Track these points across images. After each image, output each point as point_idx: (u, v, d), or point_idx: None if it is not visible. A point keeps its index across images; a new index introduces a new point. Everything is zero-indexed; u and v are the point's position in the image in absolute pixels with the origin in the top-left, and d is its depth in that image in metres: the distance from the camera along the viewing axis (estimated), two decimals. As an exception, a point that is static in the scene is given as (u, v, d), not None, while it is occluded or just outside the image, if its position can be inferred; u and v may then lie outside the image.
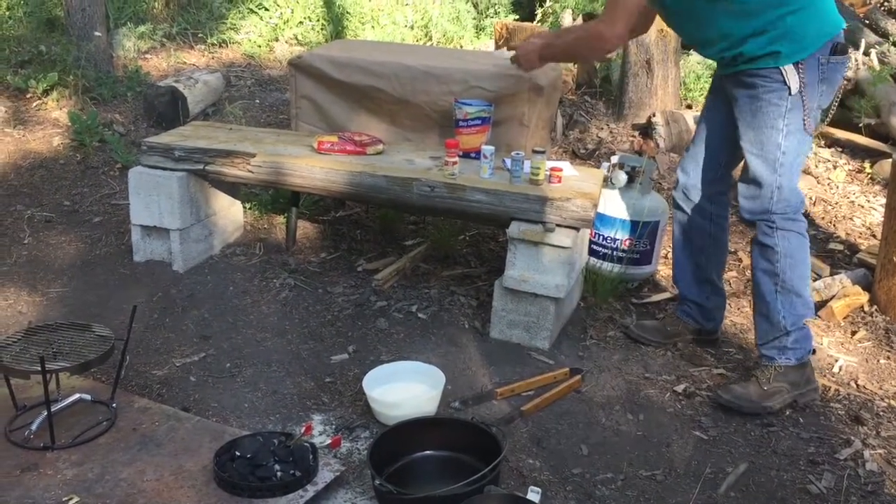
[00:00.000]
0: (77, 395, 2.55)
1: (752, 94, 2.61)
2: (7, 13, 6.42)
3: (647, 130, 5.11)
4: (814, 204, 4.46)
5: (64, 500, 2.16)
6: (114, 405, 2.56)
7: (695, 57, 6.13)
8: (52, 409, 2.39)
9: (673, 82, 5.35)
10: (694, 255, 3.06)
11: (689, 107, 5.61)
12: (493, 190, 3.10)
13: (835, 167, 4.94)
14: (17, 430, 2.43)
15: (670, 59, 5.27)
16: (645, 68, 5.24)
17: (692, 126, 4.95)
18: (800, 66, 2.51)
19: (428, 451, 2.40)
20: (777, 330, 2.71)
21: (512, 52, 3.27)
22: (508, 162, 3.22)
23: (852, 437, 2.64)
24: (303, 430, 2.53)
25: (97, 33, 5.67)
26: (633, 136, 5.17)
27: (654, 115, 5.06)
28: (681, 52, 5.63)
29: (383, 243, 3.96)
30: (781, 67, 2.52)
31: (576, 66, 6.26)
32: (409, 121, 3.79)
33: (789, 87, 2.53)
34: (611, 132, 5.23)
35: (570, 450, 2.53)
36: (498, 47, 6.19)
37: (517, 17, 7.72)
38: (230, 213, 3.91)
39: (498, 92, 3.53)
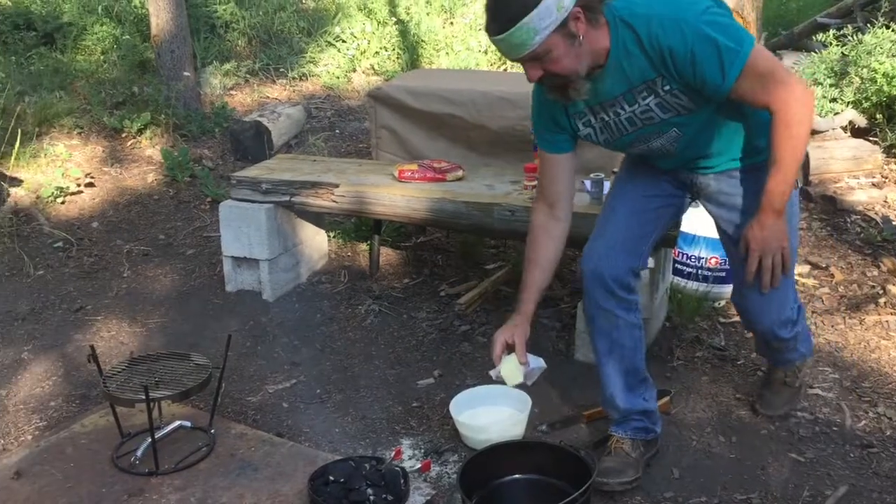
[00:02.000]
0: (178, 423, 2.66)
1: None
2: (102, 57, 6.76)
3: (728, 145, 5.02)
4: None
5: (169, 523, 2.25)
6: (212, 431, 2.66)
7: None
8: (156, 436, 2.50)
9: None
10: (626, 359, 2.47)
11: (772, 119, 5.49)
12: (574, 212, 3.10)
13: (929, 176, 4.76)
14: (123, 456, 2.55)
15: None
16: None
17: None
18: None
19: (517, 475, 2.40)
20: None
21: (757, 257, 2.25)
22: (588, 184, 3.22)
23: (959, 458, 2.53)
24: (393, 454, 2.57)
25: (186, 73, 5.93)
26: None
27: (735, 130, 4.96)
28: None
29: (465, 268, 4.00)
30: None
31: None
32: (487, 146, 3.83)
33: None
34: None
35: (661, 473, 2.50)
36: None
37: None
38: (315, 242, 4.01)
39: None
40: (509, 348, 2.31)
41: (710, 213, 2.49)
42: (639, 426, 2.49)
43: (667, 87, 2.12)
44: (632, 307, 2.42)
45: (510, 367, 2.30)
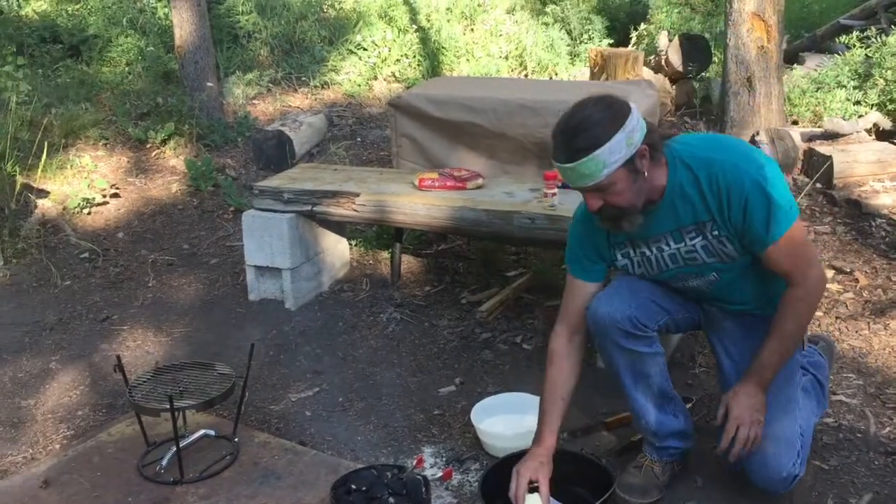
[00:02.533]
0: (202, 431, 2.69)
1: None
2: (127, 69, 6.86)
3: (750, 149, 4.99)
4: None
5: (194, 532, 2.28)
6: (236, 440, 2.69)
7: (798, 71, 5.97)
8: (181, 445, 2.53)
9: (777, 99, 5.22)
10: (653, 385, 2.42)
11: (795, 123, 5.46)
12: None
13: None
14: (148, 465, 2.59)
15: (772, 76, 5.15)
16: (746, 86, 5.14)
17: (798, 143, 4.81)
18: None
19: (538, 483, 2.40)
20: None
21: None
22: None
23: None
24: (414, 462, 2.59)
25: (209, 83, 6.00)
26: (736, 155, 5.06)
27: (757, 134, 4.94)
28: (783, 67, 5.50)
29: (486, 275, 4.01)
30: None
31: (674, 87, 6.19)
32: (507, 154, 3.84)
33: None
34: (713, 153, 5.13)
35: (684, 481, 2.49)
36: (593, 74, 6.19)
37: (611, 41, 7.70)
38: (337, 251, 4.04)
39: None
40: (532, 486, 2.22)
41: (711, 343, 2.50)
42: (673, 451, 2.48)
43: (715, 233, 2.18)
44: (653, 341, 2.37)
45: None
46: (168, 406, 2.45)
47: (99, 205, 4.94)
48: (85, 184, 4.99)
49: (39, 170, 4.99)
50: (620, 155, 2.01)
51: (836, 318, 3.42)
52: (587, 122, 2.02)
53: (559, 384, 2.36)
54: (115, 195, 5.07)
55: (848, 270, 3.78)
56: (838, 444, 2.64)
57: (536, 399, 2.78)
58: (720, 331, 2.43)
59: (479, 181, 3.60)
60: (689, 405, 2.81)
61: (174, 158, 5.56)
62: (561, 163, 2.06)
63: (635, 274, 2.36)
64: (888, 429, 2.71)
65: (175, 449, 2.52)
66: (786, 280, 2.18)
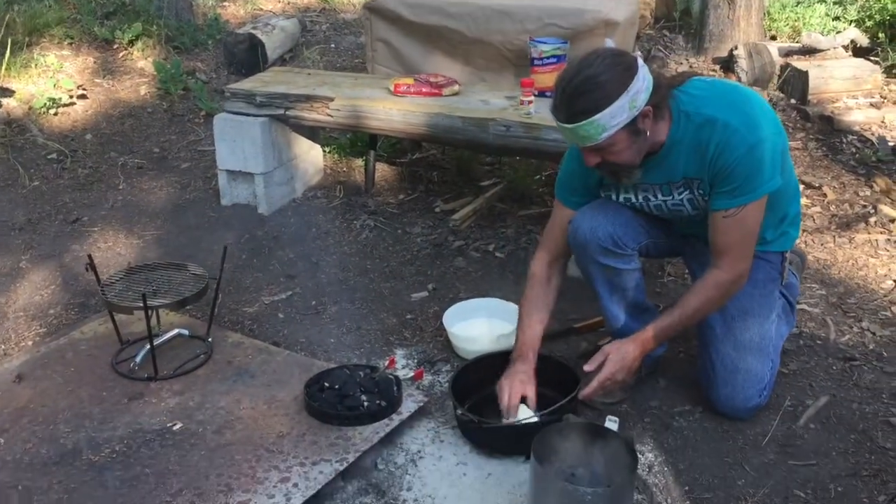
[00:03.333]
0: (176, 331, 2.70)
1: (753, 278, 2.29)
2: (90, -34, 6.59)
3: (728, 64, 4.97)
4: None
5: (168, 425, 2.32)
6: (209, 340, 2.71)
7: (780, -15, 5.89)
8: (154, 343, 2.55)
9: (756, 13, 5.16)
10: (628, 298, 2.46)
11: (774, 38, 5.42)
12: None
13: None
14: (122, 362, 2.61)
15: (753, -11, 5.09)
16: (726, -1, 5.08)
17: (776, 58, 4.79)
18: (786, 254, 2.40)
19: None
20: None
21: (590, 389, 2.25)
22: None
23: (939, 372, 2.60)
24: (387, 363, 2.63)
25: (176, -18, 5.79)
26: (713, 69, 5.04)
27: (735, 48, 4.91)
28: (765, -20, 5.42)
29: (460, 184, 4.01)
30: (784, 252, 2.40)
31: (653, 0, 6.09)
32: (483, 61, 3.79)
33: (782, 276, 2.40)
34: (691, 66, 5.11)
35: (648, 382, 2.56)
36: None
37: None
38: (311, 157, 4.01)
39: (573, 29, 3.49)
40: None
41: (692, 269, 2.53)
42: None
43: (700, 191, 2.18)
44: (631, 259, 2.38)
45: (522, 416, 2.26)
46: (141, 304, 2.45)
47: (66, 105, 4.83)
48: (51, 83, 4.86)
49: (3, 68, 4.85)
50: (622, 118, 1.96)
51: (804, 230, 3.48)
52: (590, 84, 1.94)
53: (539, 306, 2.38)
54: (83, 96, 4.95)
55: (817, 185, 3.83)
56: (798, 350, 2.72)
57: (507, 305, 2.85)
58: (702, 260, 2.42)
59: (455, 88, 3.56)
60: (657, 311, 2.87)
61: (142, 60, 5.41)
62: (560, 121, 2.02)
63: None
64: (847, 336, 2.79)
65: (149, 346, 2.54)
66: (715, 257, 2.19)
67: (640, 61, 2.01)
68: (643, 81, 1.99)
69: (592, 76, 1.95)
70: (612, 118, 1.95)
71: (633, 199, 2.30)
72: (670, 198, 2.24)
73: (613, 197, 2.34)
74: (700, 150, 2.11)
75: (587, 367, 2.23)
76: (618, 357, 2.22)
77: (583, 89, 1.95)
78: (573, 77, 1.97)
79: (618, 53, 2.01)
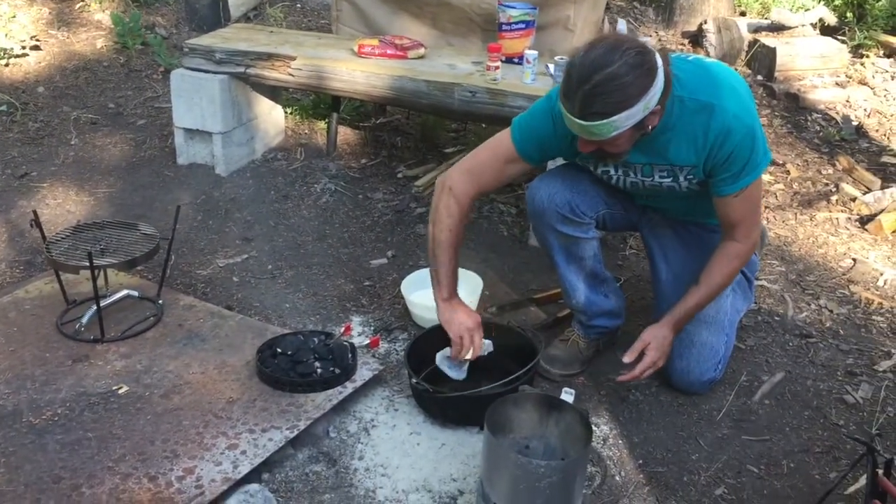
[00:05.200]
0: (125, 292, 2.62)
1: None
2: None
3: (697, 38, 4.94)
4: (868, 116, 4.31)
5: (114, 388, 2.25)
6: (160, 302, 2.63)
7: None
8: (101, 304, 2.46)
9: (727, -13, 5.14)
10: (586, 268, 2.45)
11: (743, 14, 5.40)
12: (536, 96, 3.03)
13: (892, 78, 4.75)
14: (68, 322, 2.52)
15: (725, -37, 5.05)
16: (698, -28, 5.03)
17: (745, 34, 4.77)
18: None
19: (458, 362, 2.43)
20: None
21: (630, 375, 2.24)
22: (552, 67, 3.15)
23: (893, 350, 2.61)
24: (342, 330, 2.58)
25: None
26: (682, 44, 5.01)
27: (705, 23, 4.88)
28: (737, -45, 5.39)
29: (423, 150, 3.94)
30: None
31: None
32: (451, 24, 3.71)
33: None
34: (659, 39, 5.07)
35: (606, 355, 2.55)
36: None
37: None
38: (271, 118, 3.90)
39: (543, -6, 3.43)
40: None
41: (648, 245, 2.49)
42: (601, 329, 2.52)
43: (690, 177, 2.13)
44: (589, 228, 2.36)
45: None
46: (87, 263, 2.36)
47: (18, 56, 4.64)
48: (2, 33, 4.67)
49: (-50, 15, 4.65)
50: (635, 119, 1.89)
51: (766, 207, 3.48)
52: (611, 85, 1.83)
53: (459, 241, 2.28)
54: (36, 48, 4.76)
55: (780, 163, 3.83)
56: (756, 326, 2.72)
57: (468, 273, 2.80)
58: (660, 237, 2.43)
59: (421, 51, 3.48)
60: (616, 284, 2.85)
61: (100, 13, 5.22)
62: (571, 113, 1.90)
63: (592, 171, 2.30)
64: (805, 314, 2.80)
65: (95, 307, 2.45)
66: (727, 230, 2.18)
67: (659, 59, 1.91)
68: (660, 83, 1.90)
69: (615, 76, 1.83)
70: (627, 120, 1.88)
71: (612, 172, 2.24)
72: (650, 178, 2.19)
73: (591, 168, 2.28)
74: (695, 135, 2.05)
75: (626, 358, 2.21)
76: (657, 344, 2.21)
77: (603, 89, 1.83)
78: (593, 72, 1.84)
79: (641, 50, 1.87)
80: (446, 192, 2.24)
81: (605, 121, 1.87)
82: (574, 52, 1.92)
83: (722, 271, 2.20)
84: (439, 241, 2.25)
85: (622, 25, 3.26)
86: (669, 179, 2.17)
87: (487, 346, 2.29)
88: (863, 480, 1.97)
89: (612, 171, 2.24)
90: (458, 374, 2.29)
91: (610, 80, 1.83)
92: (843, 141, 3.99)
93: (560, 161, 2.44)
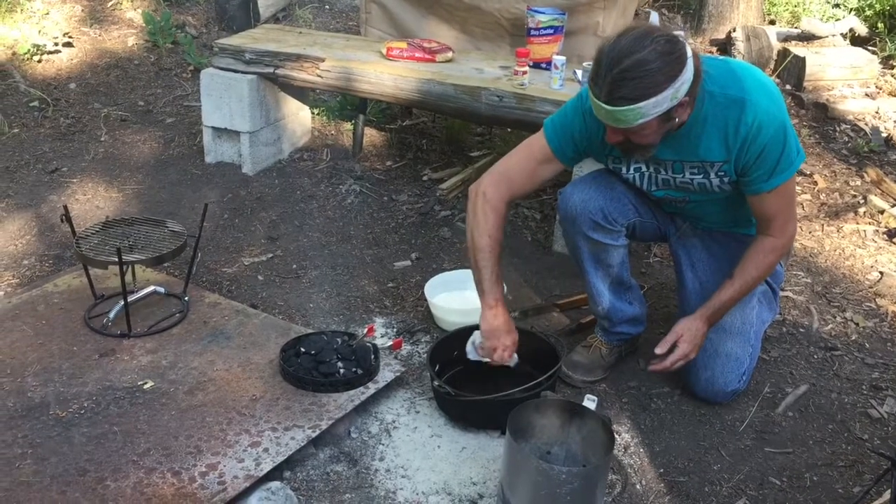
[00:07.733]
0: (152, 288, 2.65)
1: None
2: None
3: (725, 46, 4.92)
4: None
5: (139, 383, 2.27)
6: (186, 298, 2.66)
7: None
8: (129, 300, 2.49)
9: (757, -5, 5.11)
10: (613, 274, 2.44)
11: (773, 22, 5.36)
12: (563, 101, 3.01)
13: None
14: (95, 317, 2.55)
15: (755, -29, 5.02)
16: (728, -20, 5.01)
17: (774, 43, 4.74)
18: None
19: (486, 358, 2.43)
20: None
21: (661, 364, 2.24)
22: (579, 73, 3.15)
23: (919, 366, 2.59)
24: (365, 331, 2.59)
25: (169, -67, 5.64)
26: (710, 51, 4.99)
27: (734, 31, 4.85)
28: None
29: (449, 153, 3.95)
30: None
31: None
32: (479, 28, 3.72)
33: None
34: (687, 47, 5.05)
35: (628, 363, 2.54)
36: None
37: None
38: (298, 118, 3.93)
39: (572, 0, 3.43)
40: None
41: (676, 254, 2.47)
42: (624, 336, 2.51)
43: (721, 173, 2.12)
44: (619, 235, 2.35)
45: None
46: (116, 259, 2.39)
47: (51, 53, 4.71)
48: (36, 30, 4.73)
49: (-14, 11, 4.73)
50: (663, 108, 1.88)
51: (792, 218, 3.45)
52: (640, 70, 1.83)
53: (500, 246, 2.25)
54: (68, 44, 4.83)
55: (808, 173, 3.80)
56: (781, 338, 2.70)
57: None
58: (689, 246, 2.42)
59: (449, 55, 3.49)
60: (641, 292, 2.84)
61: (132, 11, 5.29)
62: (598, 98, 1.90)
63: (623, 174, 2.30)
64: (830, 326, 2.78)
65: (123, 302, 2.48)
66: (762, 226, 2.18)
67: (689, 50, 1.91)
68: (689, 73, 1.89)
69: (643, 62, 1.83)
70: (654, 108, 1.87)
71: (644, 169, 2.24)
72: (681, 175, 2.19)
73: (623, 170, 2.27)
74: (726, 130, 2.05)
75: (659, 350, 2.20)
76: (690, 337, 2.20)
77: (632, 74, 1.84)
78: (623, 57, 1.84)
79: (671, 39, 1.88)
80: (481, 199, 2.24)
81: (631, 106, 1.87)
82: (605, 40, 1.93)
83: (757, 265, 2.19)
84: (480, 246, 2.23)
85: (654, 17, 3.26)
86: (700, 176, 2.16)
87: (514, 359, 2.29)
88: (887, 495, 1.96)
89: (644, 168, 2.24)
90: (479, 360, 2.31)
91: (638, 65, 1.84)
92: (872, 152, 3.95)
93: (590, 168, 2.43)
